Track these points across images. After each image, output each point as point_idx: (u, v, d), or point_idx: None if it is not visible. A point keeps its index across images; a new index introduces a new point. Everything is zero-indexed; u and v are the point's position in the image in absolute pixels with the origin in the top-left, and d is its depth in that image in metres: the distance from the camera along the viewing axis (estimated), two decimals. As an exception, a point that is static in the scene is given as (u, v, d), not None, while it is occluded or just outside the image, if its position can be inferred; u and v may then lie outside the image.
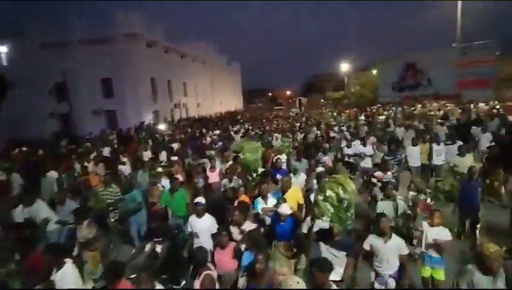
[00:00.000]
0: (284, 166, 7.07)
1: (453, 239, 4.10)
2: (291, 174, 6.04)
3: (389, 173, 6.27)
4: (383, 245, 3.60)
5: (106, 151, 11.21)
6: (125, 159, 9.20)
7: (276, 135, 12.52)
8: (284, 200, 4.60)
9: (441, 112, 17.11)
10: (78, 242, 4.49)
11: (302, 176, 6.20)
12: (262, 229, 4.56)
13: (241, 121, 24.75)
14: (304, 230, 4.30)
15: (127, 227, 6.06)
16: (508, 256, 3.95)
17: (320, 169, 5.94)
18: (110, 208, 6.02)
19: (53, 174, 7.68)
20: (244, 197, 5.24)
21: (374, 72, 35.65)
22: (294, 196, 5.11)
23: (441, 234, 3.86)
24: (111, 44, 25.53)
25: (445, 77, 23.69)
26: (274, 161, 7.11)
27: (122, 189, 6.21)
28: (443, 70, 23.87)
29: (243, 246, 3.90)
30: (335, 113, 24.23)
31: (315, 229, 3.93)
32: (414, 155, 8.14)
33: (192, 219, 4.51)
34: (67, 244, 4.64)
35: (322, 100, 49.93)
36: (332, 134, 12.31)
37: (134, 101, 26.33)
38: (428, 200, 5.14)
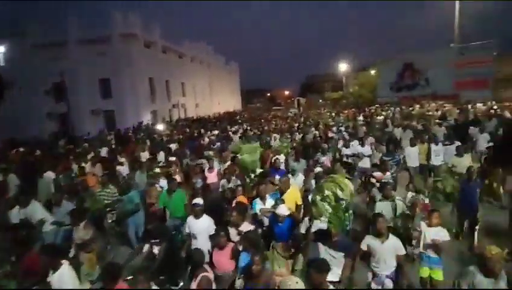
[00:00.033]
0: (282, 166, 7.06)
1: (451, 239, 4.10)
2: (290, 175, 6.03)
3: (388, 174, 6.27)
4: (380, 245, 3.59)
5: (104, 151, 11.17)
6: (123, 160, 9.16)
7: (275, 135, 12.51)
8: (282, 201, 4.59)
9: (439, 112, 17.15)
10: (74, 243, 4.46)
11: (300, 177, 6.19)
12: (260, 230, 4.55)
13: (240, 121, 24.72)
14: (302, 230, 4.29)
15: (124, 228, 6.02)
16: (510, 258, 3.96)
17: (318, 169, 5.93)
18: (108, 209, 5.98)
19: (50, 174, 7.63)
20: (242, 198, 5.22)
21: (373, 72, 35.72)
22: (293, 196, 5.10)
23: (439, 234, 3.85)
24: (109, 44, 25.48)
25: (443, 77, 23.75)
26: (273, 161, 7.10)
27: (120, 190, 6.17)
28: (441, 70, 23.93)
29: (241, 247, 3.89)
30: (333, 114, 24.24)
31: (313, 229, 3.92)
32: (412, 155, 8.14)
33: (190, 219, 4.49)
34: (64, 245, 4.61)
35: (320, 100, 50.03)
36: (330, 134, 12.30)
37: (133, 101, 26.27)
38: (427, 201, 5.14)
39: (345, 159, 8.76)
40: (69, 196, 5.92)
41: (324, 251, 3.74)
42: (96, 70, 25.60)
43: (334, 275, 3.59)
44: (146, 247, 3.99)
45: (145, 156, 9.60)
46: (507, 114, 13.62)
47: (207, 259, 4.08)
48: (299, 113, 30.42)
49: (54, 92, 24.63)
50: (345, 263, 3.64)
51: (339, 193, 4.06)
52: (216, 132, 15.78)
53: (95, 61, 25.30)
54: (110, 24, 25.46)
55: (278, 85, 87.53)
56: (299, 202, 5.19)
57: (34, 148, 13.25)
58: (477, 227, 5.18)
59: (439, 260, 3.91)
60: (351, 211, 4.05)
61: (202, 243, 4.27)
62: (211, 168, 7.24)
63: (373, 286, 3.67)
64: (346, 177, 5.58)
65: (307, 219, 4.24)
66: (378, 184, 5.63)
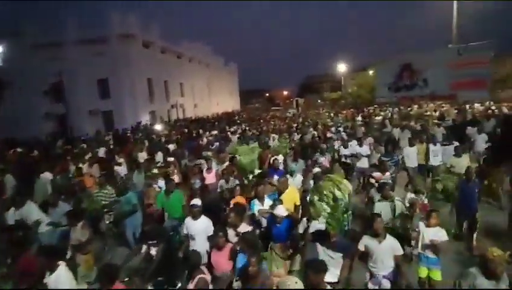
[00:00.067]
0: (281, 167, 7.04)
1: (450, 240, 4.10)
2: (288, 176, 6.02)
3: (388, 174, 6.27)
4: (377, 245, 3.59)
5: (101, 152, 11.12)
6: (121, 160, 9.12)
7: (273, 135, 12.50)
8: (280, 202, 4.58)
9: (437, 113, 17.20)
10: (70, 245, 4.42)
11: (299, 177, 6.18)
12: (258, 231, 4.53)
13: (238, 121, 24.70)
14: (300, 231, 4.28)
15: (122, 229, 5.99)
16: None
17: (317, 170, 5.92)
18: (105, 210, 5.94)
19: (47, 175, 7.58)
20: (240, 199, 5.21)
21: (371, 72, 35.77)
22: (291, 197, 5.08)
23: (438, 234, 3.85)
24: (107, 44, 25.44)
25: (441, 77, 23.76)
26: (271, 161, 7.09)
27: (118, 191, 6.14)
28: (439, 71, 23.96)
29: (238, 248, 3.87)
30: (332, 114, 24.29)
31: (311, 230, 3.91)
32: (411, 156, 8.13)
33: (188, 220, 4.47)
34: (60, 246, 4.57)
35: (319, 101, 50.14)
36: (329, 134, 12.31)
37: (131, 101, 26.23)
38: (426, 201, 5.14)
39: (343, 159, 8.76)
40: (65, 196, 5.88)
41: (322, 252, 3.73)
42: (94, 71, 25.53)
43: (332, 276, 3.59)
44: (144, 248, 3.97)
45: (142, 156, 9.56)
46: (504, 110, 13.66)
47: (205, 260, 4.08)
48: (297, 113, 30.45)
49: (52, 92, 24.58)
50: (343, 264, 3.63)
51: (337, 193, 4.06)
52: (215, 132, 15.75)
53: (93, 62, 25.24)
54: (108, 24, 25.43)
55: (277, 85, 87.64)
56: (298, 203, 5.18)
57: (32, 148, 13.18)
58: (477, 227, 5.18)
59: (438, 261, 3.91)
60: (349, 212, 4.04)
61: (200, 244, 4.25)
62: (209, 169, 7.22)
63: (370, 286, 3.67)
64: (345, 178, 5.61)
65: (305, 219, 4.23)
66: (377, 184, 5.62)
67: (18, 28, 25.46)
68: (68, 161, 9.37)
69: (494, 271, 2.70)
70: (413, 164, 8.11)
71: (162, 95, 30.88)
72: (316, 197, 4.02)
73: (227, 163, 7.44)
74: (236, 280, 3.30)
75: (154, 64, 28.86)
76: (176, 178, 6.86)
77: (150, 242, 3.92)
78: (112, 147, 12.81)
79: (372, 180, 6.21)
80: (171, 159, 8.46)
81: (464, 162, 6.60)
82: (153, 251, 3.85)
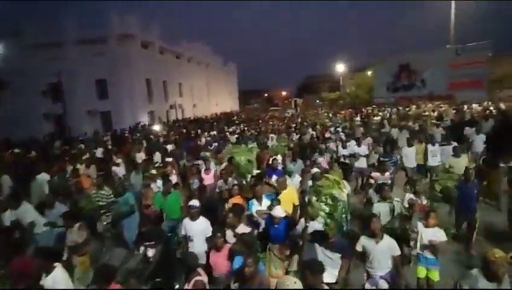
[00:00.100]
0: (279, 167, 7.03)
1: (449, 240, 4.09)
2: (286, 176, 6.00)
3: (387, 174, 6.26)
4: (375, 246, 3.58)
5: (99, 152, 11.08)
6: (119, 161, 9.08)
7: (272, 135, 12.50)
8: (278, 202, 4.57)
9: (435, 113, 17.23)
10: (67, 246, 4.39)
11: (297, 178, 6.16)
12: (256, 232, 4.52)
13: (237, 122, 24.69)
14: (298, 231, 4.27)
15: (119, 231, 5.96)
16: None
17: (315, 170, 5.91)
18: (102, 211, 5.89)
19: (44, 176, 7.52)
20: (238, 199, 5.19)
21: (369, 73, 35.82)
22: (289, 197, 5.07)
23: (436, 235, 3.85)
24: (106, 45, 25.37)
25: (439, 77, 23.84)
26: (271, 161, 7.07)
27: (115, 192, 6.10)
28: (437, 71, 24.03)
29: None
30: (330, 114, 24.31)
31: (309, 230, 3.90)
32: (410, 156, 8.13)
33: (187, 221, 4.44)
34: (57, 247, 4.54)
35: (317, 101, 50.14)
36: (327, 135, 12.31)
37: (130, 102, 26.17)
38: (425, 202, 5.13)
39: (342, 159, 8.76)
40: (62, 197, 5.84)
41: (321, 252, 3.72)
42: (93, 71, 25.46)
43: (331, 277, 3.58)
44: (141, 250, 3.95)
45: (140, 156, 9.52)
46: (502, 106, 13.70)
47: (204, 261, 4.06)
48: (296, 113, 30.46)
49: (50, 93, 24.50)
50: (341, 264, 3.62)
51: (336, 193, 4.06)
52: (213, 133, 15.73)
53: (92, 62, 25.18)
54: (107, 24, 25.36)
55: (276, 86, 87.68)
56: (296, 203, 5.17)
57: (29, 149, 13.11)
58: (476, 227, 5.18)
59: (436, 261, 3.91)
60: (348, 212, 4.03)
61: (199, 245, 4.23)
62: (207, 170, 7.19)
63: (367, 286, 3.66)
64: (343, 178, 5.60)
65: (303, 219, 4.22)
66: (376, 184, 5.62)
67: (17, 28, 25.38)
68: (66, 162, 9.32)
69: (496, 273, 2.67)
70: (412, 164, 8.11)
71: (160, 95, 30.83)
72: (314, 198, 4.01)
73: (225, 163, 7.42)
74: (234, 282, 3.28)
75: (153, 65, 28.81)
76: (174, 178, 6.83)
77: (147, 243, 3.89)
78: (109, 147, 12.77)
79: (371, 181, 6.20)
80: (169, 159, 8.43)
81: (462, 163, 6.60)
82: (150, 253, 3.82)
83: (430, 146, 8.09)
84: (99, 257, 5.12)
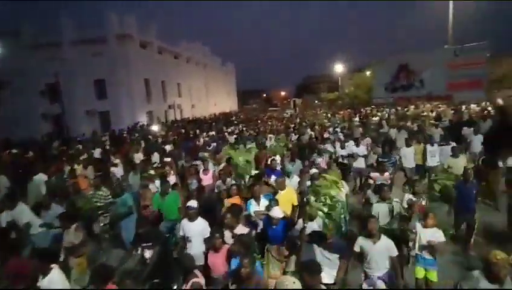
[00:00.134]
0: (278, 167, 7.02)
1: (447, 241, 4.09)
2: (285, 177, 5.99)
3: (387, 174, 6.26)
4: (372, 246, 3.57)
5: (97, 152, 11.04)
6: (117, 161, 9.05)
7: (270, 135, 12.49)
8: (276, 202, 4.55)
9: (434, 113, 17.25)
10: (63, 247, 4.36)
11: (295, 179, 6.15)
12: (254, 232, 4.50)
13: (236, 122, 24.67)
14: (296, 232, 4.26)
15: (117, 231, 5.92)
16: None
17: (314, 171, 5.90)
18: (100, 212, 5.86)
19: (42, 176, 7.47)
20: (236, 199, 5.18)
21: (368, 73, 35.88)
22: (287, 197, 5.06)
23: (435, 235, 3.84)
24: (105, 45, 25.29)
25: (438, 78, 23.92)
26: (269, 162, 7.06)
27: (113, 192, 6.07)
28: (436, 71, 24.10)
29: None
30: (329, 114, 24.31)
31: (308, 231, 3.88)
32: (408, 156, 8.13)
33: (185, 222, 4.42)
34: (54, 249, 4.50)
35: (316, 101, 50.18)
36: (326, 135, 12.30)
37: (128, 102, 26.10)
38: (424, 202, 5.13)
39: (340, 159, 8.75)
40: (59, 198, 5.80)
41: (319, 253, 3.71)
42: (91, 71, 25.39)
43: (329, 277, 3.57)
44: (139, 251, 3.92)
45: (138, 157, 9.48)
46: (500, 101, 13.72)
47: (202, 262, 4.04)
48: (295, 114, 30.45)
49: (48, 93, 24.42)
50: (339, 265, 3.61)
51: (334, 193, 4.05)
52: (212, 133, 15.71)
53: (90, 62, 25.11)
54: (105, 25, 25.29)
55: (274, 86, 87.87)
56: (295, 203, 5.16)
57: (27, 149, 13.06)
58: (475, 228, 5.18)
59: (434, 262, 3.90)
60: (347, 213, 4.02)
61: (197, 246, 4.21)
62: (206, 170, 7.18)
63: (364, 286, 3.65)
64: (342, 178, 5.59)
65: (301, 220, 4.21)
66: (375, 185, 5.61)
67: (16, 28, 25.27)
68: (63, 162, 9.27)
69: (498, 275, 2.64)
70: (411, 164, 8.11)
71: (159, 95, 30.79)
72: (312, 198, 4.00)
73: (224, 164, 7.40)
74: (232, 284, 3.26)
75: (151, 65, 28.77)
76: (173, 179, 6.81)
77: (144, 245, 3.87)
78: (107, 147, 12.73)
79: (371, 181, 6.19)
80: (168, 159, 8.40)
81: (461, 163, 6.61)
82: (147, 254, 3.80)
83: (429, 146, 8.08)
84: (96, 258, 5.10)
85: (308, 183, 5.57)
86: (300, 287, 2.59)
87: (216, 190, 6.28)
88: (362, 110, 25.51)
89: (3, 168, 8.74)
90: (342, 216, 3.99)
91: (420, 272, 3.96)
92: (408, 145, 8.28)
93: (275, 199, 4.75)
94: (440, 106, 22.02)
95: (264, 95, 78.84)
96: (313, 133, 12.84)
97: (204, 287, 3.17)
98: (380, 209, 4.55)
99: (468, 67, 22.26)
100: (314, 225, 3.88)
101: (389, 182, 6.07)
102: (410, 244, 4.12)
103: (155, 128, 20.25)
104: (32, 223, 4.98)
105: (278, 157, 7.53)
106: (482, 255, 2.92)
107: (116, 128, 21.06)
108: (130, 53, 25.95)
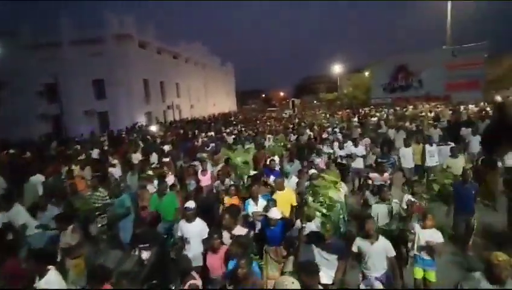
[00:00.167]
0: (277, 167, 7.00)
1: (446, 241, 4.09)
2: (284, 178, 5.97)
3: (387, 175, 6.25)
4: (370, 247, 3.57)
5: (95, 153, 11.00)
6: (115, 161, 9.01)
7: (269, 136, 12.49)
8: (274, 202, 4.54)
9: (432, 114, 17.29)
10: (60, 248, 4.32)
11: (294, 179, 6.13)
12: (252, 233, 4.49)
13: (235, 122, 24.67)
14: (295, 233, 4.24)
15: (115, 232, 5.89)
16: None
17: (312, 171, 5.89)
18: (98, 213, 5.82)
19: (39, 177, 7.43)
20: (234, 200, 5.16)
21: (366, 73, 35.96)
22: (286, 198, 5.04)
23: (433, 236, 3.84)
24: (103, 45, 25.28)
25: (436, 78, 23.99)
26: (268, 162, 7.05)
27: (111, 193, 6.03)
28: (434, 72, 24.17)
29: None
30: (328, 115, 24.34)
31: (306, 231, 3.87)
32: (407, 156, 8.12)
33: (183, 223, 4.39)
34: (49, 250, 4.47)
35: (315, 101, 50.31)
36: (325, 135, 12.30)
37: (127, 102, 26.07)
38: (423, 203, 5.12)
39: (339, 160, 8.74)
40: (56, 199, 5.75)
41: (317, 253, 3.70)
42: (90, 71, 25.38)
43: (327, 278, 3.56)
44: (136, 252, 3.90)
45: (137, 157, 9.44)
46: (498, 99, 13.73)
47: (201, 263, 4.02)
48: (293, 114, 30.45)
49: (47, 93, 24.38)
50: (338, 266, 3.60)
51: (333, 193, 4.04)
52: (210, 134, 15.69)
53: (89, 62, 25.10)
54: (104, 25, 25.26)
55: (273, 86, 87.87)
56: (294, 203, 5.14)
57: (25, 150, 13.01)
58: (474, 227, 5.18)
59: (433, 262, 3.89)
60: (345, 213, 4.02)
61: (195, 247, 4.19)
62: (204, 171, 7.16)
63: (362, 287, 3.65)
64: (340, 179, 5.58)
65: (299, 221, 4.20)
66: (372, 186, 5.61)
67: (15, 28, 25.22)
68: (61, 163, 9.23)
69: (499, 276, 2.63)
70: (410, 164, 8.11)
71: (158, 95, 30.75)
72: (310, 198, 3.99)
73: (222, 164, 7.39)
74: (229, 285, 3.25)
75: (150, 65, 28.74)
76: (171, 180, 6.78)
77: (142, 246, 3.84)
78: (106, 148, 12.69)
79: (370, 181, 6.18)
80: (166, 160, 8.38)
81: (460, 163, 6.61)
82: (145, 255, 3.78)
83: (427, 146, 8.09)
84: (93, 259, 5.06)
85: (307, 183, 5.56)
86: (299, 287, 2.58)
87: (214, 191, 6.26)
88: (361, 110, 25.56)
89: (0, 169, 8.69)
90: (341, 217, 3.98)
91: (419, 273, 3.95)
92: (407, 145, 8.28)
93: (273, 199, 4.74)
94: (438, 106, 22.08)
95: (263, 95, 78.88)
96: (311, 133, 12.83)
97: (201, 289, 3.16)
98: (380, 210, 4.55)
99: (466, 68, 22.33)
100: (312, 226, 3.87)
101: (388, 182, 6.06)
102: (409, 244, 4.11)
103: (154, 128, 20.22)
104: (28, 225, 4.94)
105: (276, 158, 7.52)
106: (483, 257, 2.91)
107: (115, 128, 21.01)
108: (129, 53, 25.93)
